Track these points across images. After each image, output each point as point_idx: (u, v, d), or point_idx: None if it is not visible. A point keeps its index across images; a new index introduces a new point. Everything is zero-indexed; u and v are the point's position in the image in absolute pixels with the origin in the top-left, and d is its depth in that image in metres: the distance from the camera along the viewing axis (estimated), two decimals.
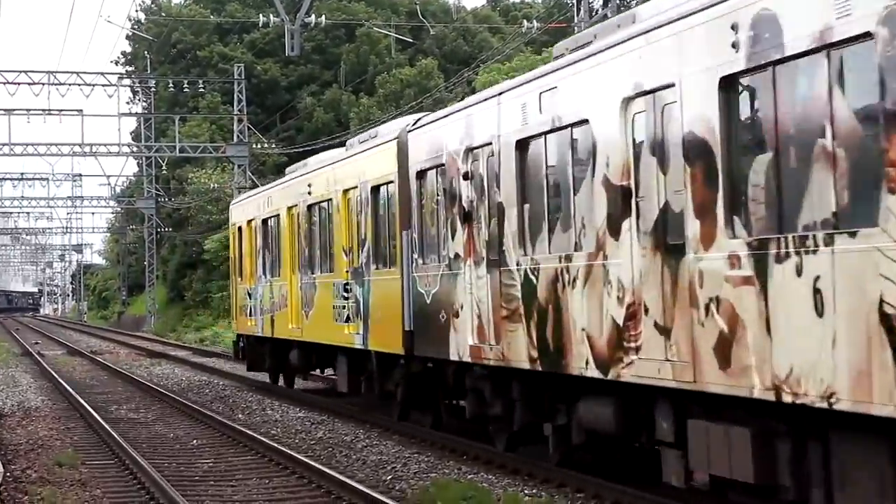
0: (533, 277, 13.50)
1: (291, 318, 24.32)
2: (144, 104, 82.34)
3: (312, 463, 15.87)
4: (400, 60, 72.30)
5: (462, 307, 15.62)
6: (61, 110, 52.38)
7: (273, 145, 62.46)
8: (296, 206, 24.00)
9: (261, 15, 41.09)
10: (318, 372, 27.50)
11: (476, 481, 14.58)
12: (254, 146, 56.81)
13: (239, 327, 30.35)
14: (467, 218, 15.44)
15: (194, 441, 19.67)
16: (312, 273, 22.96)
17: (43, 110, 51.75)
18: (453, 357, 16.05)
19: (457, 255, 15.80)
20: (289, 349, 25.67)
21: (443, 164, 16.29)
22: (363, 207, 19.67)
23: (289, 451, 17.04)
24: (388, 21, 71.66)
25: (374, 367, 19.81)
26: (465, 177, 15.39)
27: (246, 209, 29.08)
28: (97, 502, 14.23)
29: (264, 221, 26.89)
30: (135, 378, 33.02)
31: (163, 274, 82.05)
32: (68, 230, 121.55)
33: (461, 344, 15.68)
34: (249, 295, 28.38)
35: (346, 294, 20.45)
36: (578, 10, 28.12)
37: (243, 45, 78.43)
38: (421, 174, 17.31)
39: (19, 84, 49.34)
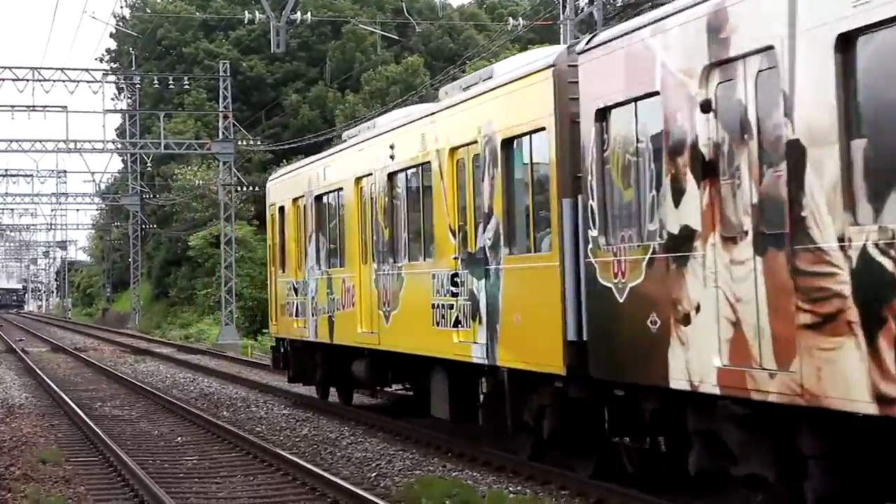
0: (885, 260, 8.59)
1: (362, 320, 19.56)
2: (129, 101, 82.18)
3: (297, 460, 15.78)
4: (386, 58, 72.29)
5: (698, 308, 10.77)
6: (45, 107, 52.26)
7: (259, 142, 62.44)
8: (369, 175, 19.18)
9: (246, 12, 40.92)
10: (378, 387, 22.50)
11: (461, 478, 14.55)
12: (239, 143, 56.72)
13: (280, 330, 25.23)
14: (708, 171, 10.67)
15: (179, 438, 19.63)
16: (396, 262, 18.13)
17: (27, 106, 51.59)
18: (677, 384, 11.08)
19: (684, 230, 10.95)
20: (351, 358, 20.87)
21: (654, 94, 11.46)
22: (487, 169, 14.86)
23: (273, 449, 16.98)
24: (373, 18, 71.64)
25: (505, 389, 14.82)
26: (705, 108, 10.66)
27: (291, 185, 23.98)
28: (81, 499, 14.18)
29: (318, 198, 22.07)
30: (119, 375, 33.02)
31: (147, 271, 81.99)
32: (53, 227, 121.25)
33: (695, 365, 10.81)
34: (295, 290, 23.44)
35: (454, 289, 15.82)
36: (564, 7, 28.14)
37: (229, 42, 78.33)
38: (603, 113, 12.39)
39: (3, 80, 49.13)
